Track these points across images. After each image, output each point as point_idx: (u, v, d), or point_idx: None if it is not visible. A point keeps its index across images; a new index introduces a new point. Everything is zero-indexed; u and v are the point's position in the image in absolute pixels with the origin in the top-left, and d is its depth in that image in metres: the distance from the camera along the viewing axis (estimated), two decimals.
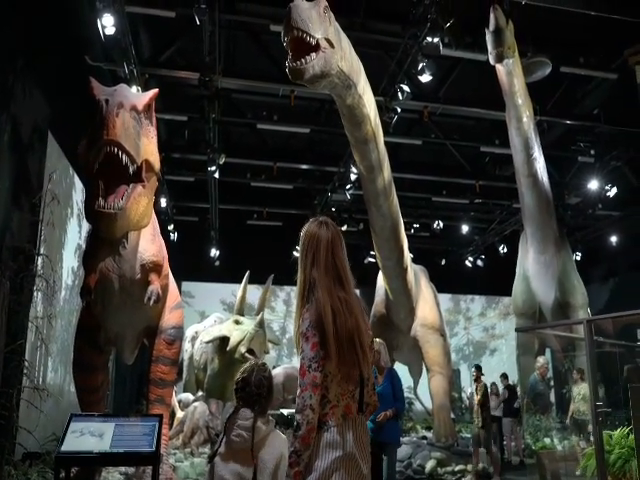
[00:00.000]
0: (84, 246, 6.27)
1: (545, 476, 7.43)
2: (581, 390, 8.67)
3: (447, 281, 15.37)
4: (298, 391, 2.09)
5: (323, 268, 2.29)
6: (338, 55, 4.81)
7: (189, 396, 10.06)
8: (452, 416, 11.25)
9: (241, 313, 9.54)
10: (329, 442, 2.09)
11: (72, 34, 8.19)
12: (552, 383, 9.65)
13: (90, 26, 7.73)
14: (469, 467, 8.87)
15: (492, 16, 7.47)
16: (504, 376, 11.52)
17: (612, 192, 12.04)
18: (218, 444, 2.67)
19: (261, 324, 8.88)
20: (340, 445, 2.09)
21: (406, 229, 9.18)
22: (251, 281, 9.84)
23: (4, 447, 5.36)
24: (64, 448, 3.88)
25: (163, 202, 12.45)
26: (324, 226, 2.37)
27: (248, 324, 9.01)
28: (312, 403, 2.05)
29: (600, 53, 9.74)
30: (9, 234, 6.36)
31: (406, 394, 14.23)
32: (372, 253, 11.07)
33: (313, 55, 4.47)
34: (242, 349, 8.68)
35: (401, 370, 12.05)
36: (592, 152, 11.65)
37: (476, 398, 8.51)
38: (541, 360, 9.46)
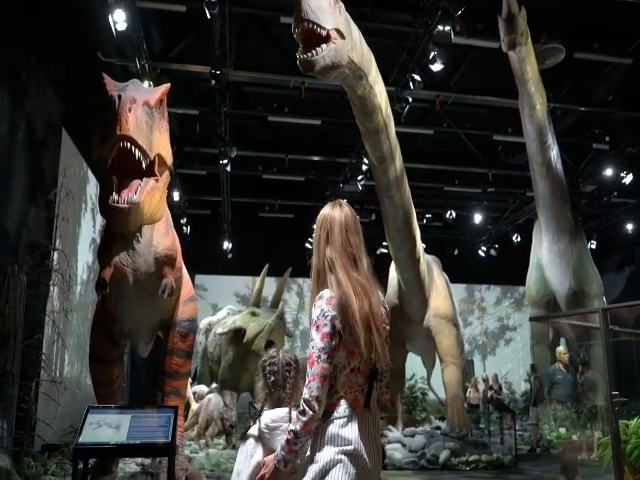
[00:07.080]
0: (99, 240, 6.33)
1: (563, 465, 7.40)
2: None
3: (460, 271, 15.32)
4: (306, 380, 2.05)
5: (339, 247, 2.21)
6: (349, 46, 4.78)
7: (203, 388, 10.15)
8: (465, 406, 11.24)
9: (257, 305, 9.58)
10: (333, 434, 2.05)
11: (84, 31, 8.23)
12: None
13: (102, 22, 7.77)
14: (483, 457, 8.87)
15: (504, 2, 7.38)
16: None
17: (628, 179, 11.90)
18: None
19: (281, 316, 8.87)
20: (343, 439, 2.04)
21: (418, 219, 9.15)
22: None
23: (23, 439, 5.44)
24: (82, 440, 3.92)
25: (176, 196, 12.52)
26: (338, 207, 2.30)
27: (265, 316, 9.03)
28: (319, 395, 2.02)
29: (614, 38, 9.58)
30: (25, 230, 6.44)
31: (419, 385, 14.24)
32: (384, 244, 11.05)
33: (324, 46, 4.44)
34: (262, 342, 8.66)
35: (414, 360, 12.05)
36: (607, 139, 11.51)
37: None
38: (560, 349, 9.43)
